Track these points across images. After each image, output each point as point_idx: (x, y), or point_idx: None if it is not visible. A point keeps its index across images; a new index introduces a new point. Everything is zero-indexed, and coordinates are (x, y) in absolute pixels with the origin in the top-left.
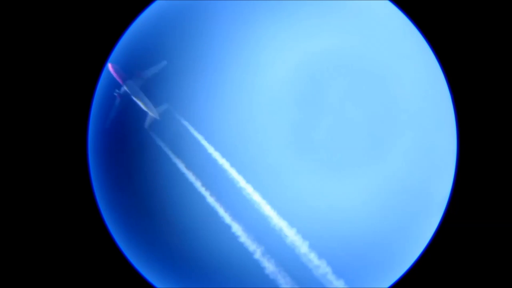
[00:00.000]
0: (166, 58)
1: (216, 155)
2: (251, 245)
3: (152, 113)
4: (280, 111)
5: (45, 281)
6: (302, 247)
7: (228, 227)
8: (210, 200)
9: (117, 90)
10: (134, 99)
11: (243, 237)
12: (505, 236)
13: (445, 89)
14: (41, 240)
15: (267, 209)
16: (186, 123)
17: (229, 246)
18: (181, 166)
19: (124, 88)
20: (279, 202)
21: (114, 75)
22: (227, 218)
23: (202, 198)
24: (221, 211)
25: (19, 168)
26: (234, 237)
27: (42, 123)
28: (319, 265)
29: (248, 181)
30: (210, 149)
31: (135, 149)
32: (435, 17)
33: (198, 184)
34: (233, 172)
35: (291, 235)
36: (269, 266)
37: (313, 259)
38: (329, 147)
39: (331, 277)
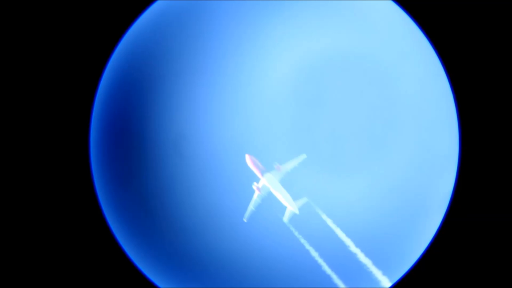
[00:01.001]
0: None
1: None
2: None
3: (291, 207)
4: (280, 110)
5: (47, 280)
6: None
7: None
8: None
9: (255, 183)
10: (273, 192)
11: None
12: (507, 236)
13: (447, 88)
14: (43, 239)
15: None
16: (325, 217)
17: (232, 246)
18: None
19: (263, 181)
20: (277, 201)
21: (253, 168)
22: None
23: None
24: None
25: (21, 168)
26: (236, 237)
27: (45, 123)
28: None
29: (249, 181)
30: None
31: (138, 148)
32: (438, 17)
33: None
34: None
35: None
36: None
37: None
38: (330, 147)
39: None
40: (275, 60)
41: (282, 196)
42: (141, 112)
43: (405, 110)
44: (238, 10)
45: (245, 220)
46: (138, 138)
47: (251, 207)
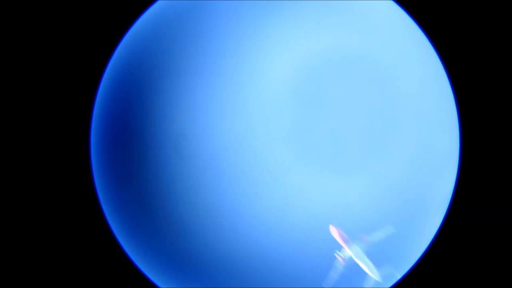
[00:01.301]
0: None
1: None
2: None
3: (375, 276)
4: (280, 110)
5: (47, 281)
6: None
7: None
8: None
9: (338, 251)
10: (357, 262)
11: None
12: (508, 237)
13: (447, 89)
14: (43, 238)
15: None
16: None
17: (232, 246)
18: None
19: (347, 251)
20: (278, 203)
21: (337, 237)
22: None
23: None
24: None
25: (21, 168)
26: (237, 237)
27: (45, 123)
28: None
29: (246, 180)
30: None
31: (138, 148)
32: (438, 17)
33: None
34: None
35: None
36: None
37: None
38: (330, 147)
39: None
40: (275, 60)
41: (366, 267)
42: (141, 112)
43: (405, 110)
44: (238, 10)
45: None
46: (138, 138)
47: (334, 275)
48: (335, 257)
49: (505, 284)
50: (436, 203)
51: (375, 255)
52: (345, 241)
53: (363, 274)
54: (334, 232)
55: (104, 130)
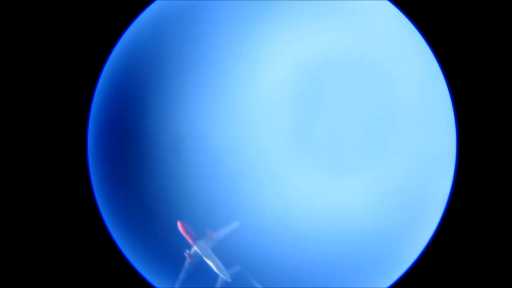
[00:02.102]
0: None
1: None
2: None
3: (223, 275)
4: (278, 111)
5: (44, 281)
6: None
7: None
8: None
9: (187, 250)
10: (206, 260)
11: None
12: (507, 236)
13: (444, 89)
14: (40, 239)
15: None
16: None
17: (230, 246)
18: None
19: (195, 248)
20: (277, 203)
21: (184, 234)
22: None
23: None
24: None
25: (18, 169)
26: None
27: (42, 124)
28: None
29: (245, 181)
30: None
31: (135, 148)
32: (435, 17)
33: None
34: None
35: None
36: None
37: None
38: (328, 148)
39: None
40: (273, 61)
41: (213, 263)
42: (139, 112)
43: (402, 110)
44: (237, 10)
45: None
46: (135, 138)
47: (182, 274)
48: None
49: (503, 282)
50: (434, 202)
51: (374, 255)
52: (193, 238)
53: (211, 272)
54: (181, 228)
55: (101, 131)
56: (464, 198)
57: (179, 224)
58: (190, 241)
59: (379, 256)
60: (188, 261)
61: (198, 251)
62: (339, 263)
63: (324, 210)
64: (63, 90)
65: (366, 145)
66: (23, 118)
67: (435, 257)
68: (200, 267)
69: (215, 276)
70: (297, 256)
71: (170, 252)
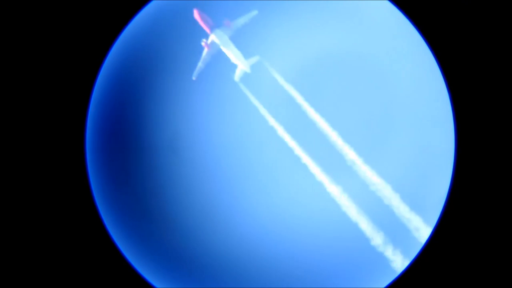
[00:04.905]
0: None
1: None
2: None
3: (242, 65)
4: (277, 109)
5: (44, 281)
6: None
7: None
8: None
9: (204, 39)
10: (223, 49)
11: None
12: (504, 237)
13: (443, 88)
14: (39, 239)
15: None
16: (277, 77)
17: (230, 246)
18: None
19: (212, 37)
20: (274, 201)
21: (200, 22)
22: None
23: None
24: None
25: (16, 169)
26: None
27: (40, 122)
28: None
29: (244, 179)
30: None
31: (134, 147)
32: (434, 16)
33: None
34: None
35: None
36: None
37: None
38: (326, 146)
39: None
40: (273, 59)
41: (232, 53)
42: (137, 110)
43: (401, 109)
44: (236, 10)
45: (194, 78)
46: (134, 136)
47: (200, 64)
48: (202, 46)
49: (502, 281)
50: (432, 200)
51: (371, 255)
52: (210, 27)
53: (229, 61)
54: (197, 17)
55: (99, 130)
56: (463, 197)
57: (195, 12)
58: (206, 30)
59: (376, 255)
60: (205, 50)
61: (215, 40)
62: (337, 263)
63: (322, 209)
64: (62, 90)
65: (365, 143)
66: (22, 117)
67: (434, 257)
68: (217, 56)
69: (233, 66)
70: (295, 254)
71: (170, 252)
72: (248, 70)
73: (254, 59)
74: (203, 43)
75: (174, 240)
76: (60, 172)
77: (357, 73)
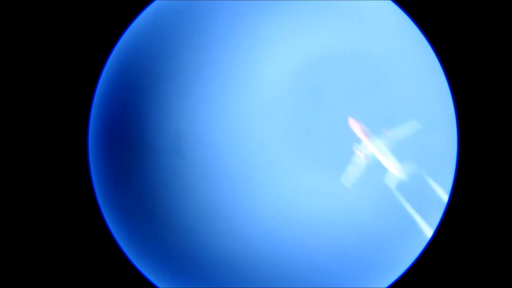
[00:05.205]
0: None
1: None
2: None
3: (398, 173)
4: (278, 109)
5: (45, 281)
6: None
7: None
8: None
9: (357, 145)
10: (379, 158)
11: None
12: (508, 239)
13: (445, 87)
14: (41, 240)
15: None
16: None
17: (233, 246)
18: None
19: (368, 145)
20: (276, 201)
21: (357, 131)
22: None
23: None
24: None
25: (17, 169)
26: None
27: (42, 122)
28: None
29: (245, 179)
30: None
31: (137, 147)
32: (436, 16)
33: None
34: None
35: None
36: None
37: None
38: (327, 146)
39: None
40: (274, 58)
41: (388, 161)
42: (140, 110)
43: (402, 109)
44: (236, 10)
45: (349, 186)
46: (137, 136)
47: (356, 172)
48: (355, 152)
49: (503, 282)
50: (434, 201)
51: (373, 255)
52: (366, 134)
53: (385, 170)
54: (354, 125)
55: (102, 130)
56: (465, 197)
57: (351, 121)
58: (363, 137)
59: (378, 255)
60: (361, 159)
61: (371, 148)
62: (337, 262)
63: (323, 209)
64: (63, 91)
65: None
66: (23, 119)
67: (434, 257)
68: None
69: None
70: (296, 255)
71: (173, 251)
72: (404, 177)
73: (411, 167)
74: (357, 151)
75: (177, 240)
76: (62, 171)
77: (359, 72)
